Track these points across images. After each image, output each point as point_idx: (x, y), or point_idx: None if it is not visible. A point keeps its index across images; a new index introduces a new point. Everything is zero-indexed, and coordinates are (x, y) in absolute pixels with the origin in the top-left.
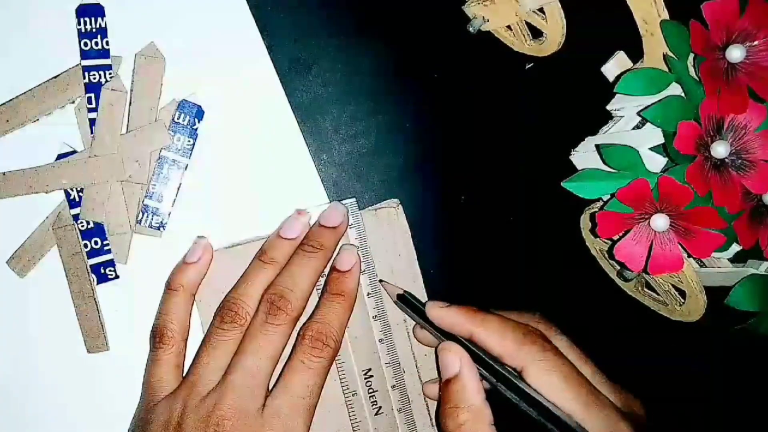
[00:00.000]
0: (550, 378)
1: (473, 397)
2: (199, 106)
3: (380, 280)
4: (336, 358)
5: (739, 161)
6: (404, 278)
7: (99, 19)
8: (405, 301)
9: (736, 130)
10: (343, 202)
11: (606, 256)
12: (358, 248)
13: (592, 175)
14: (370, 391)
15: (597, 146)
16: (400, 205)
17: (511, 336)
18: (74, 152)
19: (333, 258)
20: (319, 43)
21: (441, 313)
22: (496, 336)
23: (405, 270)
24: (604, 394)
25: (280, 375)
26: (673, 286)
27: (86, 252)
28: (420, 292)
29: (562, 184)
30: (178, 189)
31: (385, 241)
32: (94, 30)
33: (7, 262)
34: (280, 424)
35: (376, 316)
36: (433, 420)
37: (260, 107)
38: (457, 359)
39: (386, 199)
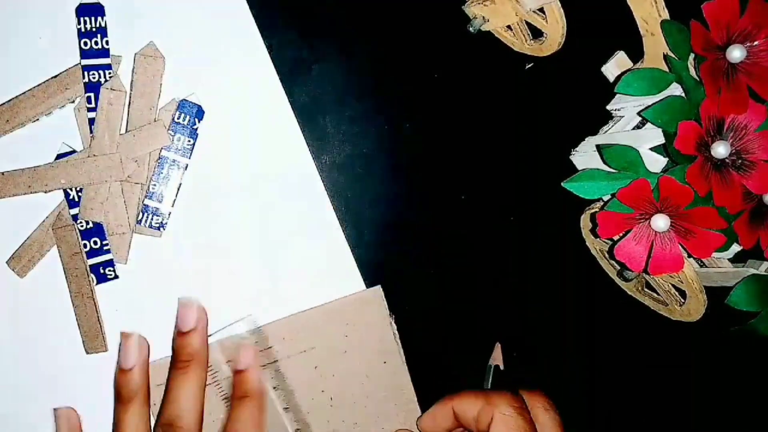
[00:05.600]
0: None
1: None
2: (199, 106)
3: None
4: None
5: (740, 161)
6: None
7: (99, 18)
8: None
9: (737, 130)
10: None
11: (606, 256)
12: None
13: (592, 175)
14: None
15: (597, 146)
16: (380, 289)
17: (483, 396)
18: (74, 152)
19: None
20: (319, 43)
21: (426, 423)
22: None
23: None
24: None
25: None
26: (673, 286)
27: (86, 252)
28: (402, 369)
29: (562, 184)
30: (178, 189)
31: (369, 330)
32: (93, 29)
33: (7, 262)
34: None
35: (287, 407)
36: None
37: (260, 107)
38: None
39: (387, 198)
